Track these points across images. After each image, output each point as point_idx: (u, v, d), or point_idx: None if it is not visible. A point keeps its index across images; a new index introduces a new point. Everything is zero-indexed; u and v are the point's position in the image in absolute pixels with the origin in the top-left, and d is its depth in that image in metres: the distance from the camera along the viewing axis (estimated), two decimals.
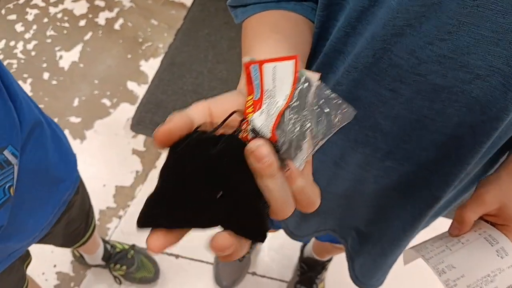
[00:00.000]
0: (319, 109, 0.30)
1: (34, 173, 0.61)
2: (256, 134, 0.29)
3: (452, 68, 0.39)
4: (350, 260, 0.81)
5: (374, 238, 0.70)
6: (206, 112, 0.30)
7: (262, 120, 0.30)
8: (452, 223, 0.48)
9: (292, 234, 0.83)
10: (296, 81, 0.31)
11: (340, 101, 0.30)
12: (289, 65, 0.32)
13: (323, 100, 0.30)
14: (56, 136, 0.69)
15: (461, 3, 0.35)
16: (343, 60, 0.45)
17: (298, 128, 0.29)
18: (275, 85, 0.32)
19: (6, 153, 0.53)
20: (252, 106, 0.31)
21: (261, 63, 0.33)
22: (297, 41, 0.44)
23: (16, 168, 0.55)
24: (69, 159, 0.75)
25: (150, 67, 1.74)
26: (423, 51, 0.38)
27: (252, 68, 0.33)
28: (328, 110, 0.30)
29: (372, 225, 0.69)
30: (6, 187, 0.54)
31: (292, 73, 0.31)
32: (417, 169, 0.51)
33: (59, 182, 0.71)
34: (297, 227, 0.79)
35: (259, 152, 0.25)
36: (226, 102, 0.31)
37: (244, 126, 0.30)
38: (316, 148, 0.30)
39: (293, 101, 0.30)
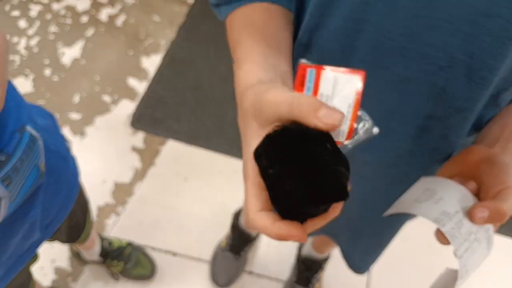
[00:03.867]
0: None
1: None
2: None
3: (415, 60, 0.39)
4: (347, 255, 0.82)
5: (365, 230, 0.71)
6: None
7: None
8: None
9: None
10: (362, 93, 0.35)
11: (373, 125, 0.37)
12: (356, 78, 0.34)
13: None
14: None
15: None
16: (311, 53, 0.45)
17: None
18: (334, 92, 0.35)
19: (29, 129, 0.53)
20: None
21: (318, 68, 0.36)
22: (280, 43, 0.43)
23: (41, 142, 0.56)
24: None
25: (151, 63, 1.74)
26: (384, 45, 0.38)
27: (309, 71, 0.36)
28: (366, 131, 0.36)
29: (362, 220, 0.70)
30: (39, 163, 0.55)
31: (357, 84, 0.34)
32: (396, 161, 0.51)
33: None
34: None
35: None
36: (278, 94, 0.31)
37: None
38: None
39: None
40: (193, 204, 1.44)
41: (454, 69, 0.38)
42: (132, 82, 1.69)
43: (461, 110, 0.41)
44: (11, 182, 0.51)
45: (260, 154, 0.28)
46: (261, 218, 0.28)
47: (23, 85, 1.65)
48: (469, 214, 0.38)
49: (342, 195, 0.27)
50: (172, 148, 1.51)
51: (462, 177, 0.42)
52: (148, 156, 1.52)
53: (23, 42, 1.77)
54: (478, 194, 0.41)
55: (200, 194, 1.46)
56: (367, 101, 0.44)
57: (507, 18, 0.34)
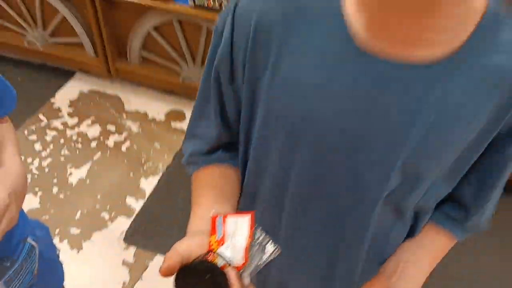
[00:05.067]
0: (262, 248, 0.52)
1: None
2: (226, 260, 0.50)
3: (322, 205, 0.58)
4: None
5: None
6: (187, 248, 0.51)
7: (229, 251, 0.51)
8: None
9: None
10: (253, 227, 0.52)
11: (273, 246, 0.52)
12: (247, 218, 0.53)
13: (264, 243, 0.52)
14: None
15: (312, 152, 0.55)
16: (255, 197, 0.66)
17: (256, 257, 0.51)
18: (236, 230, 0.52)
19: (29, 239, 0.69)
20: (216, 242, 0.52)
21: (224, 216, 0.54)
22: (228, 192, 0.65)
23: (37, 251, 0.71)
24: None
25: (149, 184, 1.94)
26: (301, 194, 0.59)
27: (218, 219, 0.54)
28: (266, 251, 0.51)
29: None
30: (34, 268, 0.69)
31: (248, 223, 0.52)
32: (333, 241, 0.64)
33: None
34: None
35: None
36: (192, 242, 0.53)
37: (210, 255, 0.50)
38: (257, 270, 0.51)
39: (253, 242, 0.51)
40: None
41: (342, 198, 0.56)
42: (130, 200, 1.87)
43: (352, 239, 0.59)
44: (11, 284, 0.66)
45: (174, 280, 0.49)
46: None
47: (31, 201, 1.83)
48: None
49: None
50: (160, 263, 1.62)
51: None
52: (136, 270, 1.63)
53: (36, 162, 2.00)
54: None
55: None
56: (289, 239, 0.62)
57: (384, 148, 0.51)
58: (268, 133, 0.56)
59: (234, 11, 0.53)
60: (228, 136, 0.65)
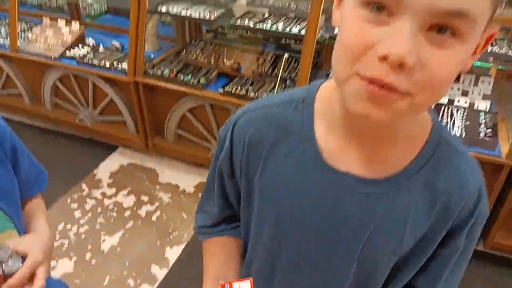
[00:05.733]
0: None
1: None
2: None
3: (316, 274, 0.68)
4: None
5: None
6: None
7: None
8: None
9: None
10: None
11: None
12: (248, 282, 0.65)
13: None
14: None
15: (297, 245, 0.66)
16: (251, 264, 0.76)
17: None
18: None
19: None
20: None
21: (230, 283, 0.66)
22: (229, 261, 0.77)
23: None
24: None
25: (173, 253, 2.06)
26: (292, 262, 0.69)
27: (226, 286, 0.66)
28: None
29: None
30: None
31: (249, 286, 0.64)
32: None
33: None
34: None
35: None
36: None
37: None
38: None
39: None
40: None
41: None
42: (155, 269, 1.98)
43: None
44: None
45: None
46: None
47: (66, 265, 1.98)
48: None
49: None
50: None
51: None
52: None
53: (74, 229, 2.18)
54: None
55: None
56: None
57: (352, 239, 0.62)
58: (262, 218, 0.69)
59: (233, 128, 0.66)
60: (229, 214, 0.79)
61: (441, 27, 0.42)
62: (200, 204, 0.83)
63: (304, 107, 0.62)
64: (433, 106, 2.03)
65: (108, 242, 2.11)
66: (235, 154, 0.67)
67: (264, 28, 2.11)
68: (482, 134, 1.85)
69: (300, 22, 2.12)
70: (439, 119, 2.18)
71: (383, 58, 0.43)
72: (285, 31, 2.07)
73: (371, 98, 0.46)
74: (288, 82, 2.15)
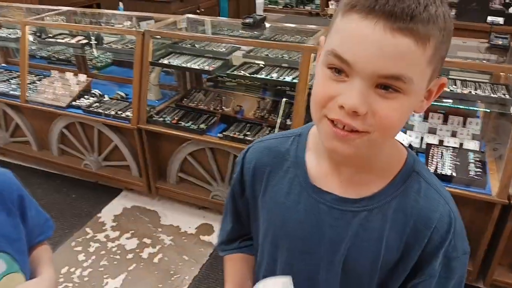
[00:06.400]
0: None
1: None
2: None
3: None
4: None
5: None
6: None
7: None
8: None
9: None
10: None
11: None
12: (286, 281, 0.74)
13: None
14: None
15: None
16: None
17: None
18: None
19: None
20: None
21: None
22: (243, 276, 0.91)
23: None
24: None
25: None
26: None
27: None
28: None
29: None
30: None
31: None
32: None
33: None
34: None
35: None
36: None
37: None
38: None
39: None
40: None
41: None
42: None
43: None
44: None
45: None
46: None
47: None
48: None
49: None
50: None
51: None
52: None
53: (78, 272, 2.22)
54: None
55: None
56: None
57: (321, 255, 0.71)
58: (265, 231, 0.80)
59: (244, 155, 0.83)
60: (241, 231, 0.92)
61: (385, 85, 0.56)
62: (221, 224, 0.97)
63: (299, 140, 0.77)
64: (424, 146, 2.10)
65: (111, 284, 2.15)
66: (244, 178, 0.82)
67: (260, 77, 2.26)
68: (472, 173, 1.91)
69: (293, 72, 2.27)
70: (431, 159, 2.26)
71: (341, 107, 0.57)
72: (279, 79, 2.22)
73: (337, 137, 0.59)
74: (286, 126, 2.27)
